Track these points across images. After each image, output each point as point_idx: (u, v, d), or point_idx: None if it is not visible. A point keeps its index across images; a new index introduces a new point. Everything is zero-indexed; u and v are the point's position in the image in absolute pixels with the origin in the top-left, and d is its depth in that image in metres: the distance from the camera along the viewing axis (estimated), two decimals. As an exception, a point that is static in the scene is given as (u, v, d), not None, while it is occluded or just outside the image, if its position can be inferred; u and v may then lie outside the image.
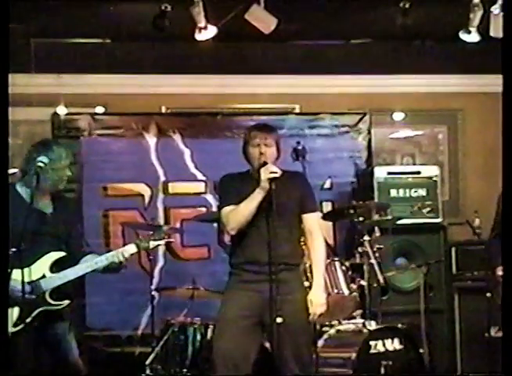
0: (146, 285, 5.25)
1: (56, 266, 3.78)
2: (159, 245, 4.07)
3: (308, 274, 4.00)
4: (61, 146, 3.91)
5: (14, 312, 3.62)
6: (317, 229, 3.91)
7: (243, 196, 3.74)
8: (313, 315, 3.78)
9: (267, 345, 4.07)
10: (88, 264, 3.81)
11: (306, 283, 3.94)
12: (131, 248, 3.91)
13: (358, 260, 4.91)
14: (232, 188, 3.85)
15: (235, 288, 3.81)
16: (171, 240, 4.24)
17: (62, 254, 3.81)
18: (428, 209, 6.11)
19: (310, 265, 3.95)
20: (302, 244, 4.00)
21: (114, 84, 6.54)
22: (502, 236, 3.53)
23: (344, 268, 4.75)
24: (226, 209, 3.80)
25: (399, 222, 5.46)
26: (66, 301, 3.79)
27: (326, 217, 5.28)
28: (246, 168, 3.92)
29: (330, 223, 5.94)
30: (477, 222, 6.21)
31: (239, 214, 3.73)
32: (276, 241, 3.61)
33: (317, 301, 3.79)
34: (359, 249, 4.82)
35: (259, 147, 3.78)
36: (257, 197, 3.69)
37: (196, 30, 5.01)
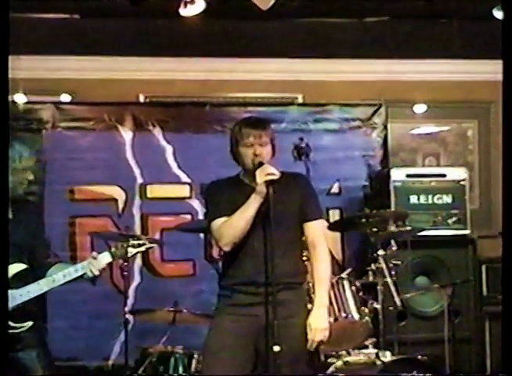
0: (118, 307, 5.20)
1: (17, 281, 3.76)
2: (138, 253, 4.06)
3: (312, 295, 3.99)
4: (23, 144, 3.91)
5: None
6: (321, 240, 3.87)
7: (235, 205, 3.71)
8: (311, 342, 3.72)
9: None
10: (55, 277, 3.80)
11: (309, 306, 3.93)
12: (104, 257, 3.89)
13: (371, 278, 4.91)
14: (221, 197, 3.82)
15: (226, 313, 3.78)
16: (153, 245, 4.22)
17: (23, 266, 3.80)
18: (454, 219, 6.13)
19: (314, 285, 3.94)
20: (305, 258, 4.00)
21: (83, 67, 6.54)
22: (503, 238, 3.56)
23: (354, 288, 4.73)
24: (217, 222, 3.77)
25: (420, 234, 5.48)
26: (29, 323, 3.77)
27: (333, 227, 5.28)
28: (239, 168, 3.91)
29: (338, 235, 5.94)
30: (512, 234, 6.22)
31: (233, 226, 3.71)
32: (275, 257, 3.59)
33: (317, 325, 3.74)
34: (373, 266, 4.83)
35: (253, 148, 3.75)
36: (253, 203, 3.67)
37: (181, 5, 5.01)
